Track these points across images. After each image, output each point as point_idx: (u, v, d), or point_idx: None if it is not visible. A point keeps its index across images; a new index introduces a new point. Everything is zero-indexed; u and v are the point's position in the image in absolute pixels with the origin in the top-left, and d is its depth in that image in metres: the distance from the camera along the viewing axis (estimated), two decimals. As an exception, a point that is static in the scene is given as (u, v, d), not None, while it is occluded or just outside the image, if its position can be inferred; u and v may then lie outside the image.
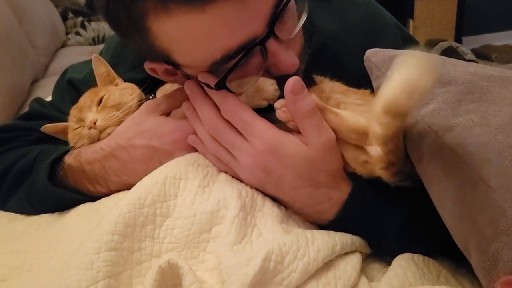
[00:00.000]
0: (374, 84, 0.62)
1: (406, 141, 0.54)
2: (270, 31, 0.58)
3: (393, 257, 0.59)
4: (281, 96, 0.59)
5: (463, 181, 0.45)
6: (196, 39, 0.56)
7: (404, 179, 0.56)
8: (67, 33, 2.39)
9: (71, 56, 1.94)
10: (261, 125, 0.60)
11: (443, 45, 2.07)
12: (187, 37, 0.56)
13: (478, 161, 0.44)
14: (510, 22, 3.57)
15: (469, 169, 0.44)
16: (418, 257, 0.58)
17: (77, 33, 2.40)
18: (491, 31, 3.58)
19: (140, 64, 0.70)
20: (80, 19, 2.45)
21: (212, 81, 0.59)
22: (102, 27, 2.42)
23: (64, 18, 2.43)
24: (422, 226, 0.59)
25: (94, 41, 2.41)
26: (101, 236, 0.53)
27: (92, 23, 2.44)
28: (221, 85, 0.59)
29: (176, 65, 0.62)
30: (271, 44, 0.59)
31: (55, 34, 2.15)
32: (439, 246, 0.60)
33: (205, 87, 0.62)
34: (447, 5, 3.22)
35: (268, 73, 0.63)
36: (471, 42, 3.38)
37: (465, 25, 3.38)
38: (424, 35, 2.98)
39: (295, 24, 0.62)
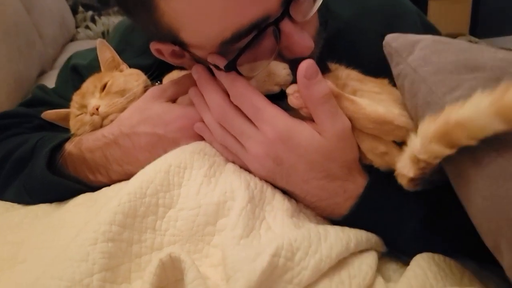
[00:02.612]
0: (394, 71, 0.58)
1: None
2: (285, 11, 0.55)
3: (410, 256, 0.55)
4: (294, 81, 0.56)
5: (496, 173, 0.41)
6: (206, 16, 0.53)
7: (425, 185, 0.52)
8: (77, 27, 2.38)
9: (80, 49, 1.92)
10: (272, 112, 0.56)
11: (462, 40, 2.01)
12: (196, 13, 0.53)
13: (512, 150, 0.40)
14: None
15: (502, 159, 0.40)
16: (439, 257, 0.54)
17: (87, 27, 2.40)
18: (506, 34, 3.53)
19: (146, 50, 0.68)
20: (90, 13, 2.45)
21: (222, 63, 0.56)
22: (112, 21, 2.41)
23: (74, 11, 2.42)
24: (442, 224, 0.55)
25: (104, 36, 2.39)
26: (99, 226, 0.49)
27: (102, 17, 2.44)
28: (231, 67, 0.56)
29: (183, 46, 0.59)
30: (285, 25, 0.56)
31: (64, 27, 2.14)
32: (460, 246, 0.56)
33: (214, 70, 0.59)
34: (461, 7, 3.18)
35: (280, 57, 0.59)
36: (485, 44, 3.32)
37: (479, 28, 3.33)
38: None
39: (311, 6, 0.59)
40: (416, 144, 0.48)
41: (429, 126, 0.46)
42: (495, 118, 0.40)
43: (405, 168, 0.50)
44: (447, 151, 0.45)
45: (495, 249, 0.43)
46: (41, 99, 0.82)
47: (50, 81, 1.59)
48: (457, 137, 0.43)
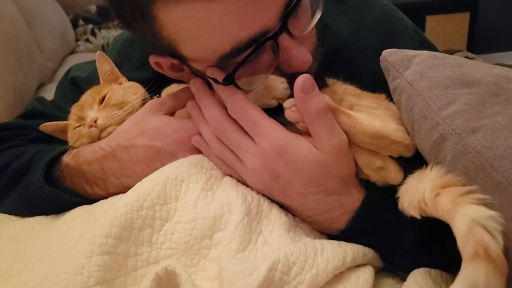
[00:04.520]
0: (391, 85, 0.58)
1: (425, 144, 0.50)
2: (283, 25, 0.55)
3: (407, 272, 0.55)
4: (291, 96, 0.56)
5: (490, 186, 0.41)
6: (205, 29, 0.53)
7: None
8: (77, 40, 2.40)
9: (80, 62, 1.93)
10: (269, 126, 0.56)
11: (459, 55, 2.03)
12: (195, 26, 0.53)
13: (507, 165, 0.40)
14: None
15: (496, 173, 0.41)
16: (435, 272, 0.54)
17: (87, 40, 2.41)
18: (503, 50, 3.55)
19: (145, 64, 0.68)
20: (90, 26, 2.46)
21: (220, 76, 0.57)
22: (112, 35, 2.42)
23: (75, 25, 2.44)
24: (439, 239, 0.55)
25: (104, 49, 2.41)
26: (94, 239, 0.49)
27: (102, 30, 2.45)
28: (229, 80, 0.56)
29: (182, 59, 0.60)
30: (284, 39, 0.56)
31: (64, 40, 2.15)
32: (457, 261, 0.56)
33: (212, 83, 0.59)
34: (459, 23, 3.20)
35: (278, 71, 0.60)
36: (482, 60, 3.34)
37: (476, 43, 3.36)
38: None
39: (309, 21, 0.59)
40: (427, 193, 0.47)
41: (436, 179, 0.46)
42: None
43: (411, 208, 0.49)
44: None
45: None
46: (39, 111, 0.82)
47: (49, 94, 1.59)
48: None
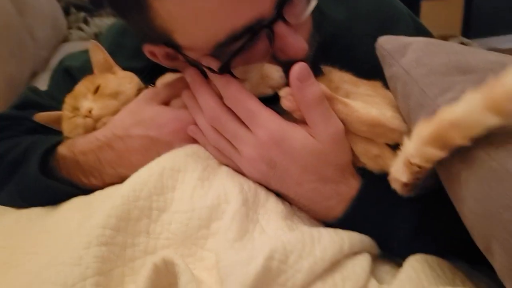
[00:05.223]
0: (387, 73, 0.58)
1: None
2: (279, 13, 0.55)
3: (404, 258, 0.55)
4: (287, 84, 0.56)
5: (487, 175, 0.41)
6: (199, 18, 0.53)
7: (419, 190, 0.52)
8: (69, 28, 2.36)
9: (73, 50, 1.89)
10: (266, 115, 0.56)
11: (454, 41, 2.03)
12: (189, 15, 0.53)
13: (503, 153, 0.40)
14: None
15: (493, 161, 0.41)
16: (432, 259, 0.54)
17: (79, 28, 2.38)
18: (498, 34, 3.55)
19: (139, 53, 0.67)
20: (82, 14, 2.43)
21: (216, 65, 0.56)
22: (104, 22, 2.39)
23: (67, 13, 2.41)
24: (436, 226, 0.56)
25: (96, 37, 2.38)
26: (92, 230, 0.49)
27: (95, 18, 2.42)
28: (225, 69, 0.56)
29: (177, 48, 0.59)
30: (279, 27, 0.56)
31: (56, 28, 2.12)
32: (452, 247, 0.56)
33: (208, 72, 0.59)
34: (453, 8, 3.19)
35: (274, 60, 0.59)
36: (477, 45, 3.34)
37: (471, 28, 3.35)
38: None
39: (305, 9, 0.59)
40: (409, 148, 0.48)
41: (422, 130, 0.46)
42: (487, 113, 0.40)
43: (398, 172, 0.50)
44: (440, 154, 0.45)
45: (487, 251, 0.43)
46: (33, 101, 0.81)
47: (42, 83, 1.58)
48: (451, 137, 0.43)
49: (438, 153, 0.45)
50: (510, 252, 0.39)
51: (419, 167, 0.47)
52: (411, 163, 0.47)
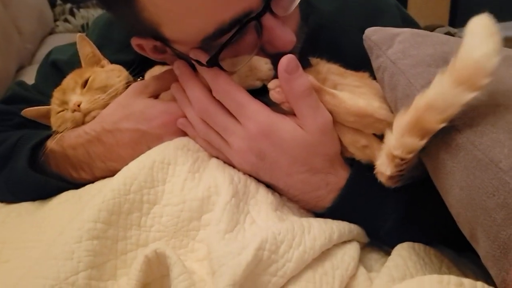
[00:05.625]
0: (374, 64, 0.58)
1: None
2: (266, 6, 0.55)
3: (392, 246, 0.56)
4: (276, 76, 0.56)
5: (471, 164, 0.42)
6: (188, 11, 0.53)
7: (405, 181, 0.53)
8: (55, 20, 2.34)
9: (59, 43, 1.85)
10: (254, 107, 0.56)
11: (441, 31, 2.04)
12: (177, 8, 0.53)
13: (487, 142, 0.41)
14: (503, 14, 3.55)
15: (477, 150, 0.41)
16: (419, 246, 0.55)
17: (66, 20, 2.35)
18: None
19: (127, 45, 0.67)
20: (68, 6, 2.40)
21: (204, 58, 0.56)
22: (91, 14, 2.37)
23: (53, 4, 2.37)
24: (423, 215, 0.57)
25: (83, 29, 2.35)
26: (83, 224, 0.49)
27: (81, 10, 2.39)
28: (213, 62, 0.56)
29: (165, 41, 0.59)
30: (267, 20, 0.56)
31: (42, 20, 2.10)
32: (439, 235, 0.58)
33: (196, 65, 0.59)
34: (440, -2, 3.20)
35: (263, 52, 0.59)
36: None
37: (458, 17, 3.36)
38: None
39: (292, 1, 0.59)
40: (391, 140, 0.48)
41: (401, 120, 0.47)
42: (457, 89, 0.42)
43: (383, 166, 0.50)
44: (420, 142, 0.45)
45: (472, 237, 0.44)
46: (20, 96, 0.80)
47: (29, 77, 1.56)
48: (429, 122, 0.44)
49: (418, 142, 0.46)
50: (494, 239, 0.40)
51: (402, 159, 0.48)
52: (394, 156, 0.48)
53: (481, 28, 0.43)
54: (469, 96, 0.42)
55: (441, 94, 0.43)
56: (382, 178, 0.52)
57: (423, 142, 0.45)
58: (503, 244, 0.39)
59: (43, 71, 0.84)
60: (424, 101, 0.44)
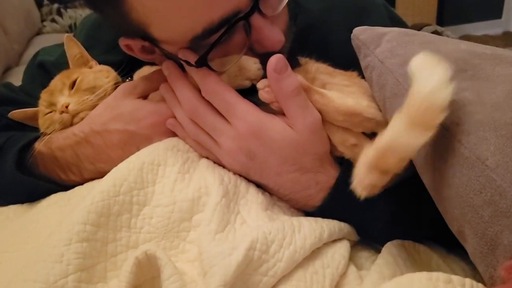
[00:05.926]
0: (362, 63, 0.59)
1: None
2: (255, 5, 0.55)
3: (382, 244, 0.57)
4: (265, 76, 0.56)
5: (458, 161, 0.42)
6: (175, 11, 0.52)
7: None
8: (42, 20, 2.32)
9: (47, 43, 1.84)
10: (244, 107, 0.56)
11: (428, 29, 2.06)
12: (165, 8, 0.52)
13: (474, 140, 0.42)
14: (490, 12, 3.60)
15: (464, 148, 0.42)
16: (408, 244, 0.56)
17: (53, 20, 2.33)
18: (471, 21, 3.61)
19: (115, 46, 0.66)
20: (56, 6, 2.39)
21: (193, 58, 0.56)
22: (79, 14, 2.35)
23: (40, 5, 2.36)
24: (413, 213, 0.57)
25: (71, 29, 2.34)
26: (72, 226, 0.49)
27: (69, 10, 2.38)
28: (202, 62, 0.56)
29: (153, 41, 0.59)
30: (256, 19, 0.56)
31: (29, 21, 2.08)
32: (428, 233, 0.58)
33: (185, 65, 0.59)
34: (428, -3, 3.24)
35: (251, 52, 0.59)
36: (451, 32, 3.40)
37: (445, 15, 3.40)
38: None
39: (281, 0, 0.59)
40: (359, 172, 0.48)
41: (366, 155, 0.46)
42: (413, 130, 0.42)
43: (358, 188, 0.49)
44: (386, 178, 0.45)
45: (460, 234, 0.45)
46: (7, 98, 0.79)
47: (16, 78, 1.54)
48: (390, 163, 0.44)
49: (383, 178, 0.45)
50: (481, 236, 0.40)
51: (373, 186, 0.47)
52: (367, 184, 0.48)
53: (424, 64, 0.44)
54: (425, 137, 0.42)
55: (398, 138, 0.43)
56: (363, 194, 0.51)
57: (387, 178, 0.45)
58: (490, 241, 0.39)
59: (30, 72, 0.83)
60: (382, 143, 0.44)
